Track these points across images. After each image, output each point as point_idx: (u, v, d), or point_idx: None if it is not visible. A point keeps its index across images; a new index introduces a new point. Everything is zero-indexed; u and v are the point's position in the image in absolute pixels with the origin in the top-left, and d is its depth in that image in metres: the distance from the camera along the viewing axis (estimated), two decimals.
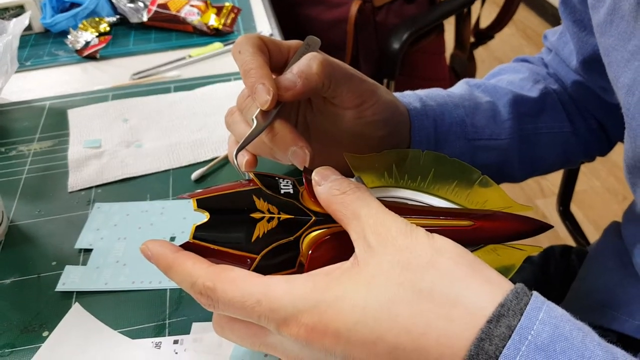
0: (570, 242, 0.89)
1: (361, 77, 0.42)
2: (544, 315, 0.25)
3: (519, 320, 0.25)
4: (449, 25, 1.34)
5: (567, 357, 0.24)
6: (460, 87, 0.55)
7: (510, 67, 0.62)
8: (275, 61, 0.41)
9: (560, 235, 0.98)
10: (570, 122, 0.57)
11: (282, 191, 0.34)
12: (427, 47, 1.19)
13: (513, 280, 0.74)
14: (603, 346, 0.25)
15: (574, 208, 0.86)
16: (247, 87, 0.37)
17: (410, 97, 0.49)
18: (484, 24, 1.37)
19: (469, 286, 0.26)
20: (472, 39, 1.35)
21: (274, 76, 0.38)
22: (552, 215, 1.63)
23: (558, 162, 0.59)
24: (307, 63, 0.37)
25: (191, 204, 0.32)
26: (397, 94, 0.49)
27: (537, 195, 1.76)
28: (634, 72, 0.40)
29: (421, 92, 0.51)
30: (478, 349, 0.24)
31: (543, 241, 1.25)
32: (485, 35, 1.34)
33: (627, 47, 0.40)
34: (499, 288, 0.26)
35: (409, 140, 0.48)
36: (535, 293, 0.27)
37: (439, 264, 0.27)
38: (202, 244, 0.32)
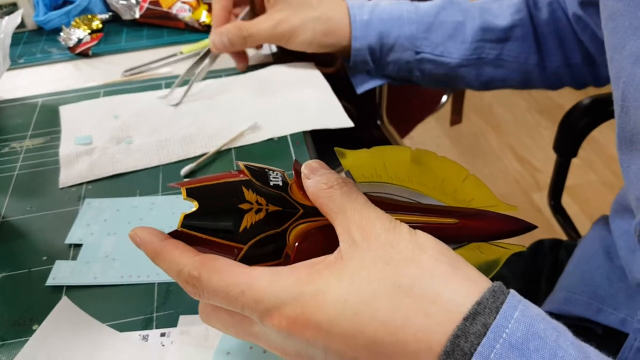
0: (564, 236, 0.90)
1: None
2: (519, 314, 0.25)
3: (495, 318, 0.25)
4: None
5: (540, 356, 0.24)
6: (432, 3, 0.63)
7: None
8: None
9: (555, 229, 0.99)
10: (540, 56, 0.61)
11: (272, 183, 0.34)
12: None
13: (503, 273, 0.75)
14: (576, 345, 0.25)
15: (570, 202, 0.86)
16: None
17: (363, 9, 0.62)
18: None
19: (448, 283, 0.27)
20: None
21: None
22: (547, 209, 1.63)
23: (519, 86, 0.66)
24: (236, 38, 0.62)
25: (180, 198, 0.32)
26: (354, 5, 0.63)
27: (532, 188, 1.76)
28: None
29: (382, 3, 0.63)
30: (454, 345, 0.25)
31: (537, 234, 1.26)
32: None
33: (638, 14, 0.39)
34: (477, 286, 0.27)
35: (347, 43, 0.63)
36: (512, 292, 0.27)
37: (420, 260, 0.28)
38: (190, 232, 0.32)
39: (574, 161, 0.83)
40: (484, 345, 0.24)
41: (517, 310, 0.26)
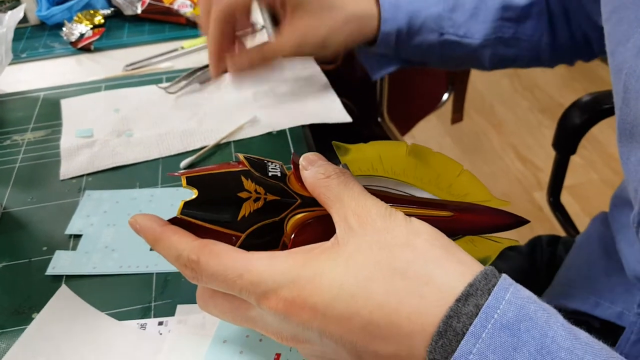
0: (564, 233, 0.90)
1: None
2: (511, 295, 0.26)
3: (487, 299, 0.25)
4: None
5: (530, 336, 0.24)
6: None
7: None
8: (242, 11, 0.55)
9: (556, 228, 0.99)
10: (552, 34, 0.60)
11: (270, 174, 0.35)
12: None
13: (501, 268, 0.74)
14: (566, 327, 0.26)
15: (571, 200, 0.86)
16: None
17: None
18: None
19: (442, 266, 0.27)
20: None
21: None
22: (548, 208, 1.64)
23: (528, 63, 0.65)
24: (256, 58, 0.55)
25: (179, 190, 0.33)
26: None
27: (534, 187, 1.76)
28: None
29: None
30: (446, 325, 0.25)
31: (539, 233, 1.26)
32: None
33: None
34: (469, 269, 0.27)
35: (376, 30, 0.58)
36: (504, 275, 0.27)
37: (415, 244, 0.28)
38: (189, 219, 0.32)
39: (575, 160, 0.83)
40: (476, 325, 0.25)
41: (509, 292, 0.26)
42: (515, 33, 0.60)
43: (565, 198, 0.87)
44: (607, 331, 0.53)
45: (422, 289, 0.27)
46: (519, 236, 0.37)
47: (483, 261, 0.35)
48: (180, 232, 0.32)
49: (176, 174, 0.34)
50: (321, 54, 0.58)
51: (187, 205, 0.32)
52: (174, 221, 0.32)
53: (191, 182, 0.32)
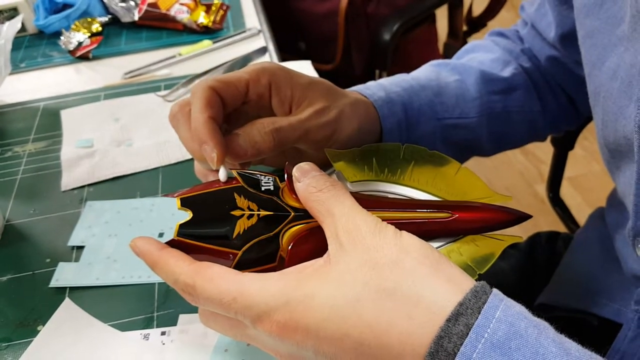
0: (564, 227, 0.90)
1: (317, 110, 0.42)
2: (501, 313, 0.26)
3: (477, 318, 0.26)
4: (442, 14, 1.34)
5: (521, 354, 0.25)
6: (425, 70, 0.57)
7: (482, 46, 0.62)
8: (233, 99, 0.40)
9: (559, 220, 0.99)
10: (540, 101, 0.58)
11: (263, 188, 0.35)
12: (419, 37, 1.19)
13: (501, 266, 0.73)
14: (557, 342, 0.26)
15: (573, 192, 0.86)
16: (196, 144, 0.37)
17: (373, 89, 0.51)
18: (477, 11, 1.37)
19: (431, 285, 0.28)
20: (465, 28, 1.35)
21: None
22: None
23: (526, 138, 0.61)
24: (258, 136, 0.38)
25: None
26: (360, 87, 0.51)
27: (536, 180, 1.76)
28: (618, 57, 0.40)
29: (384, 81, 0.53)
30: (437, 346, 0.26)
31: (542, 225, 1.26)
32: (478, 24, 1.34)
33: (616, 31, 0.40)
34: (459, 287, 0.28)
35: (379, 129, 0.49)
36: (494, 291, 0.28)
37: (404, 263, 0.29)
38: (186, 240, 0.33)
39: (577, 151, 0.83)
40: (467, 346, 0.25)
41: (499, 309, 0.26)
42: (506, 107, 0.57)
43: (568, 190, 0.87)
44: (605, 329, 0.54)
45: (411, 309, 0.27)
46: (522, 230, 0.36)
47: (486, 260, 0.35)
48: (177, 256, 0.32)
49: (170, 195, 0.34)
50: (330, 141, 0.44)
51: (183, 226, 0.33)
52: (171, 243, 0.33)
53: (185, 203, 0.33)
